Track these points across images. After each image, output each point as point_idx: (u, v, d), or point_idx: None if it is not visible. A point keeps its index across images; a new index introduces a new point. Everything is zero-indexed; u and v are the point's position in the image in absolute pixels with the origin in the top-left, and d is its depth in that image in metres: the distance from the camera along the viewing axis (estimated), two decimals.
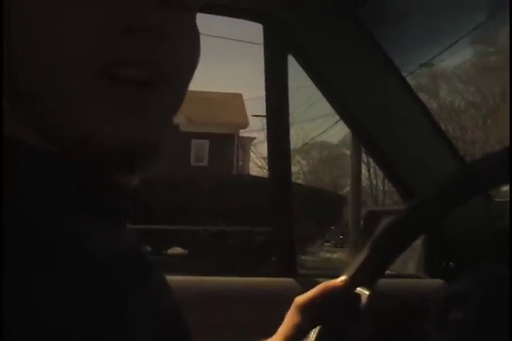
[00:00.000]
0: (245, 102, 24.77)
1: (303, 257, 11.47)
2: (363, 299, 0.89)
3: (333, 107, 1.54)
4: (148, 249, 10.42)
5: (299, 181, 25.39)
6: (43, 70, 0.52)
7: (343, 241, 18.36)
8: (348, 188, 18.55)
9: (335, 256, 15.23)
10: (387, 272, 1.61)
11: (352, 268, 0.92)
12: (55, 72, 0.52)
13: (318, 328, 0.88)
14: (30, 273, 0.45)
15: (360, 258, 0.93)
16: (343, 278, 0.91)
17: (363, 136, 1.56)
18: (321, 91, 1.52)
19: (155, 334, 0.57)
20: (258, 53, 1.56)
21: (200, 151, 22.20)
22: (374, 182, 25.39)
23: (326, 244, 18.09)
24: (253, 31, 1.59)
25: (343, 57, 1.50)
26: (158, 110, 0.55)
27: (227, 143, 22.34)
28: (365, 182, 18.15)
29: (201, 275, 1.53)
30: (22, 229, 0.47)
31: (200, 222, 9.99)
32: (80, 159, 0.54)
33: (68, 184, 0.55)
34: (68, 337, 0.44)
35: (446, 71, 21.73)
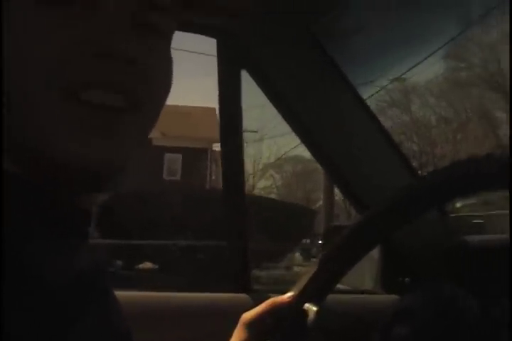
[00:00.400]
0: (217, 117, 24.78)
1: (276, 272, 11.47)
2: (311, 315, 0.89)
3: (287, 123, 1.53)
4: (120, 263, 10.36)
5: (272, 195, 25.46)
6: (14, 87, 0.53)
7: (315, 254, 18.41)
8: (321, 202, 18.61)
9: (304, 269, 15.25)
10: (342, 287, 1.61)
11: (300, 284, 0.91)
12: (25, 90, 0.52)
13: None
14: None
15: (309, 273, 0.92)
16: (291, 293, 0.91)
17: (318, 153, 1.55)
18: (275, 107, 1.52)
19: None
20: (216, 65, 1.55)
21: (173, 165, 22.17)
22: None
23: (299, 257, 18.12)
24: (209, 44, 1.59)
25: (298, 73, 1.49)
26: (127, 133, 0.55)
27: (200, 157, 22.33)
28: (338, 196, 18.18)
29: (168, 291, 1.52)
30: None
31: (171, 236, 9.96)
32: (42, 179, 0.54)
33: (26, 205, 0.54)
34: None
35: (418, 85, 21.97)
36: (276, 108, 1.53)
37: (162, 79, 0.59)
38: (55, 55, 0.51)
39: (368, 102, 1.66)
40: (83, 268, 0.62)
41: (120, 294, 0.70)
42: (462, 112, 21.95)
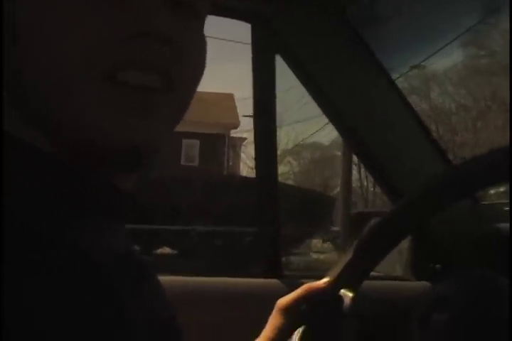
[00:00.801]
0: (236, 102, 24.76)
1: (292, 257, 11.47)
2: (346, 301, 0.89)
3: (321, 108, 1.53)
4: (138, 248, 10.38)
5: (290, 182, 25.42)
6: (49, 71, 0.52)
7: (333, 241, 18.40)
8: (338, 189, 18.57)
9: (323, 257, 15.24)
10: (374, 273, 1.61)
11: (336, 270, 0.92)
12: (61, 73, 0.52)
13: (301, 330, 0.88)
14: (28, 273, 0.45)
15: (344, 260, 0.92)
16: (326, 279, 0.91)
17: (351, 138, 1.55)
18: (309, 92, 1.51)
19: (150, 333, 0.57)
20: (250, 53, 1.55)
21: (190, 151, 22.15)
22: (364, 183, 25.42)
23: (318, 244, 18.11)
24: (243, 31, 1.58)
25: (332, 57, 1.49)
26: (162, 113, 0.55)
27: (217, 144, 22.30)
28: (355, 183, 18.18)
29: (189, 276, 1.53)
30: (19, 229, 0.47)
31: (189, 222, 9.97)
32: (81, 160, 0.54)
33: (67, 185, 0.54)
34: (67, 337, 0.45)
35: (438, 73, 21.80)
36: (310, 93, 1.53)
37: (197, 60, 0.59)
38: (91, 36, 0.51)
39: None
40: (128, 244, 0.63)
41: None
42: (481, 100, 21.77)
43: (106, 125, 0.52)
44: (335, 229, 16.21)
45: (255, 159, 1.60)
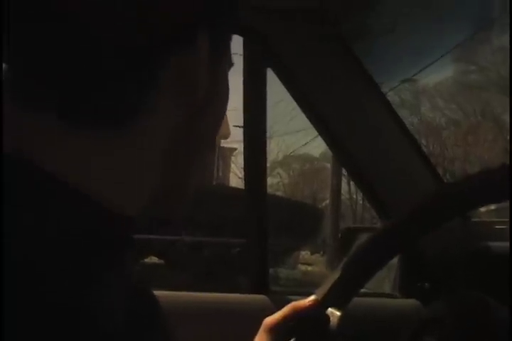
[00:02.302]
0: (227, 113, 24.76)
1: (280, 270, 11.46)
2: (333, 320, 0.88)
3: (311, 122, 1.53)
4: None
5: (279, 193, 25.43)
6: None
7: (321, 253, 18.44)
8: (327, 201, 18.61)
9: (311, 268, 15.25)
10: (362, 290, 1.59)
11: (324, 288, 0.91)
12: None
13: None
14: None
15: (332, 278, 0.91)
16: (313, 297, 0.90)
17: (341, 153, 1.54)
18: (299, 105, 1.51)
19: None
20: (242, 64, 1.54)
21: None
22: (354, 196, 25.47)
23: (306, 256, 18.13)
24: (236, 42, 1.57)
25: (323, 72, 1.49)
26: None
27: None
28: (344, 195, 18.20)
29: (175, 290, 1.51)
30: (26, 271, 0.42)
31: (177, 232, 9.95)
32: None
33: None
34: None
35: (428, 87, 21.90)
36: (300, 106, 1.52)
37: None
38: None
39: None
40: (136, 286, 0.57)
41: None
42: (472, 115, 21.88)
43: None
44: (323, 241, 16.25)
45: (244, 171, 1.60)
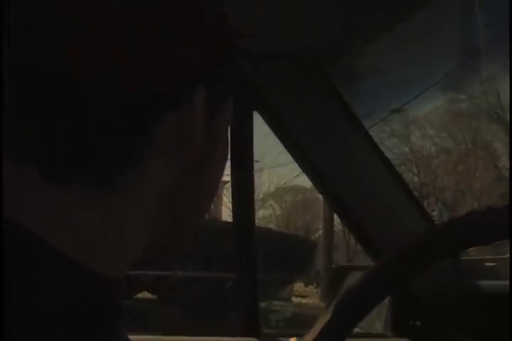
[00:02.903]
0: None
1: (274, 303, 11.37)
2: None
3: (296, 162, 1.53)
4: None
5: (271, 225, 25.36)
6: None
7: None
8: (320, 232, 18.54)
9: (305, 301, 15.15)
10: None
11: (314, 332, 0.90)
12: None
13: None
14: None
15: (322, 322, 0.90)
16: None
17: (327, 193, 1.55)
18: (286, 147, 1.51)
19: None
20: None
21: None
22: None
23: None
24: None
25: (309, 113, 1.49)
26: None
27: None
28: (337, 226, 18.14)
29: (169, 322, 1.50)
30: None
31: (169, 267, 9.88)
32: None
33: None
34: None
35: (418, 117, 22.01)
36: (286, 148, 1.53)
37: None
38: None
39: None
40: None
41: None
42: (462, 143, 21.96)
43: None
44: (317, 272, 16.16)
45: (232, 204, 1.60)
